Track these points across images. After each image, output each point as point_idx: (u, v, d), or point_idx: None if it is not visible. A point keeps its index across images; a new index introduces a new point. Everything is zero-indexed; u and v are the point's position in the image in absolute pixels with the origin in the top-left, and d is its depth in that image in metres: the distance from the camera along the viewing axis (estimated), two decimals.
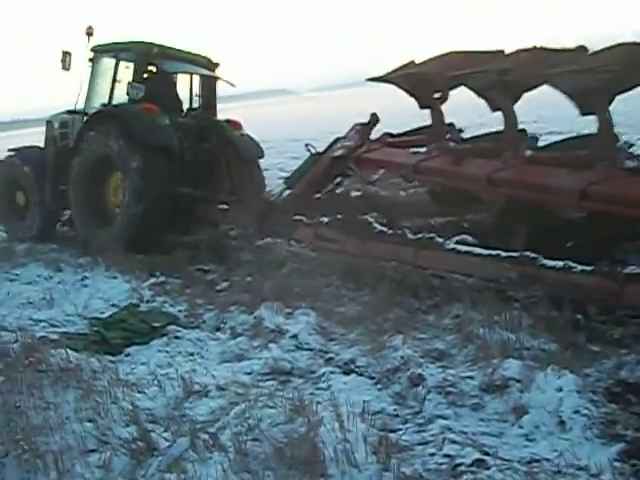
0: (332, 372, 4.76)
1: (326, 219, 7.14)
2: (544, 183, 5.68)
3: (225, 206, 8.94)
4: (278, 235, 8.03)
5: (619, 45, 5.07)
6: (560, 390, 3.88)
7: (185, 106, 10.85)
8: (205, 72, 10.68)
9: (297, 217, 7.53)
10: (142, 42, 10.06)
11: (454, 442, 3.66)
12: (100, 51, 10.35)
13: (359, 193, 7.28)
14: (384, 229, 6.61)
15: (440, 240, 6.05)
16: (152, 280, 7.62)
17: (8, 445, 3.90)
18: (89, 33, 10.20)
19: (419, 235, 6.24)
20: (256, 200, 8.75)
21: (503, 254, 5.53)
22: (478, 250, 5.75)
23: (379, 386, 4.48)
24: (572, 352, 4.50)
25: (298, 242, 7.70)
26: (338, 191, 7.57)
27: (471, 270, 5.72)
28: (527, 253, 5.38)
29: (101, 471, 3.65)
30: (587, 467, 3.34)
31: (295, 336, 5.35)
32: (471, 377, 4.33)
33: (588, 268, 5.02)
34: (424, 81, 6.90)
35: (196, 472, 3.49)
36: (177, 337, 5.79)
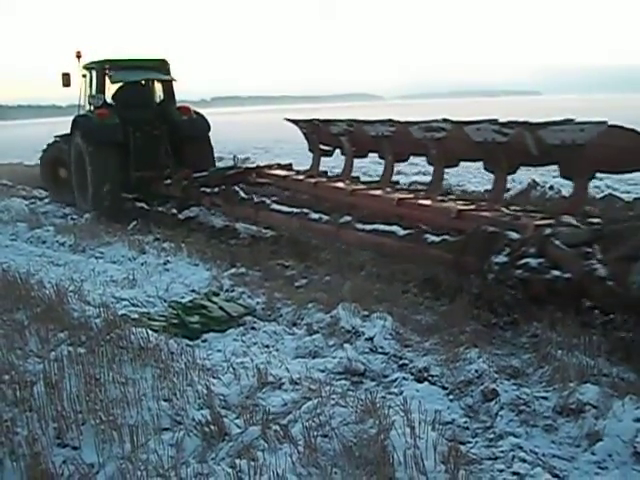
0: (405, 378, 4.75)
1: (217, 189, 10.56)
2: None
3: (169, 181, 11.76)
4: (193, 202, 11.20)
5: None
6: (637, 420, 3.75)
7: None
8: (148, 76, 13.26)
9: (202, 189, 10.86)
10: (101, 60, 12.90)
11: (524, 461, 3.63)
12: (87, 68, 13.24)
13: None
14: (244, 197, 9.96)
15: (268, 202, 9.41)
16: (232, 270, 7.74)
17: (86, 414, 4.06)
18: (78, 56, 13.28)
19: (258, 200, 9.60)
20: (180, 177, 11.48)
21: (294, 210, 8.74)
22: (285, 209, 9.00)
23: (451, 397, 4.46)
24: None
25: (204, 206, 10.99)
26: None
27: (275, 223, 9.41)
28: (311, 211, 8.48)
29: (173, 450, 3.75)
30: None
31: (370, 339, 5.35)
32: (545, 398, 4.26)
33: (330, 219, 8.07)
34: (315, 131, 10.79)
35: (265, 460, 3.55)
36: (254, 328, 5.89)
